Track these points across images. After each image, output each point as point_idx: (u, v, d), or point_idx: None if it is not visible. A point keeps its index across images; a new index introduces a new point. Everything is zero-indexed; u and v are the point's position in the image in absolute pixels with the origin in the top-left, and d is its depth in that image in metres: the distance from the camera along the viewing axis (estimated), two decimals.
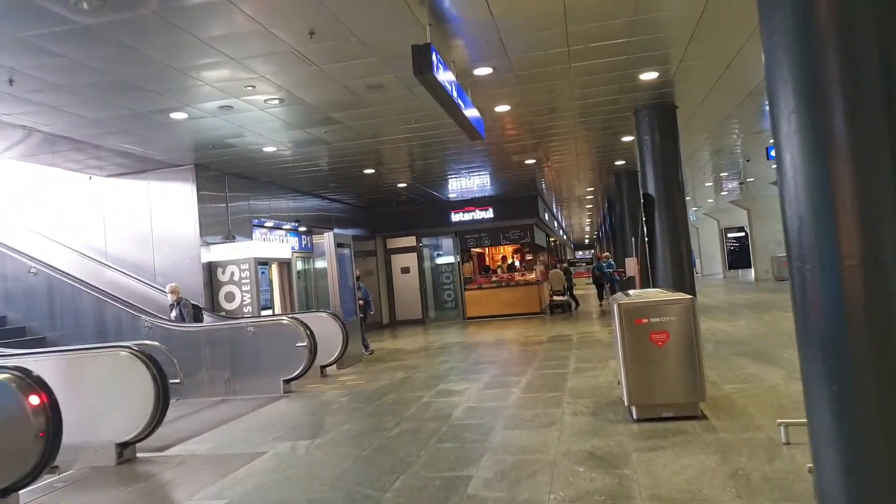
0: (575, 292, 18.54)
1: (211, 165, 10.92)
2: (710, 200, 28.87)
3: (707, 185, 22.18)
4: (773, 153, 11.48)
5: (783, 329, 10.26)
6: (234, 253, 10.89)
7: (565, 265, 18.27)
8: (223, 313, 10.80)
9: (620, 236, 22.20)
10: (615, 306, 5.46)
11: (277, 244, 12.89)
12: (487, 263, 21.10)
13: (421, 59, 5.04)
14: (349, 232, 16.96)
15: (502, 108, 8.70)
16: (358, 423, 6.35)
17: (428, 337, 14.34)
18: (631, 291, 6.77)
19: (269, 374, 8.59)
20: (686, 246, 9.23)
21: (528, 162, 12.92)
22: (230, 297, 10.90)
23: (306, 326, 8.65)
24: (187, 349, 8.94)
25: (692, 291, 9.08)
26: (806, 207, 2.79)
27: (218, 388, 8.83)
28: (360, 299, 11.07)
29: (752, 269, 27.13)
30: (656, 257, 9.23)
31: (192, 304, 9.57)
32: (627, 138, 11.41)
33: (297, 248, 14.95)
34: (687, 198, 27.01)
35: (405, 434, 5.62)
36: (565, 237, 42.41)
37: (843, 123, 2.75)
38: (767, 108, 3.35)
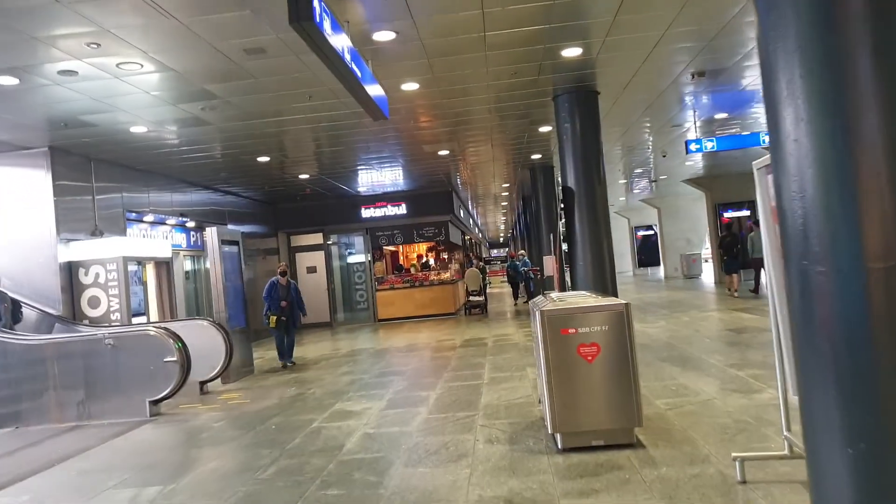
0: (488, 291, 17.81)
1: (72, 149, 9.29)
2: (621, 199, 29.14)
3: (620, 182, 22.12)
4: (696, 146, 11.18)
5: (704, 330, 9.86)
6: (99, 251, 9.32)
7: (482, 264, 17.49)
8: (86, 321, 9.22)
9: (535, 234, 21.79)
10: (537, 313, 4.59)
11: (153, 241, 11.30)
12: (401, 262, 20.10)
13: (298, 2, 3.95)
14: (246, 228, 15.49)
15: (410, 87, 7.72)
16: (228, 458, 5.18)
17: (334, 342, 13.15)
18: (553, 294, 5.95)
19: (133, 395, 7.20)
20: (608, 243, 8.59)
21: (441, 153, 12.01)
22: (94, 302, 9.31)
23: (177, 338, 7.30)
24: (27, 366, 7.39)
25: (614, 292, 8.45)
26: (816, 196, 1.98)
27: (69, 413, 7.33)
28: (282, 300, 9.49)
29: (662, 267, 27.56)
30: (576, 255, 8.53)
31: (11, 299, 8.05)
32: (545, 128, 10.73)
33: (184, 245, 13.37)
34: None
35: (282, 475, 4.52)
36: (481, 235, 42.08)
37: (870, 84, 1.97)
38: (761, 87, 2.49)
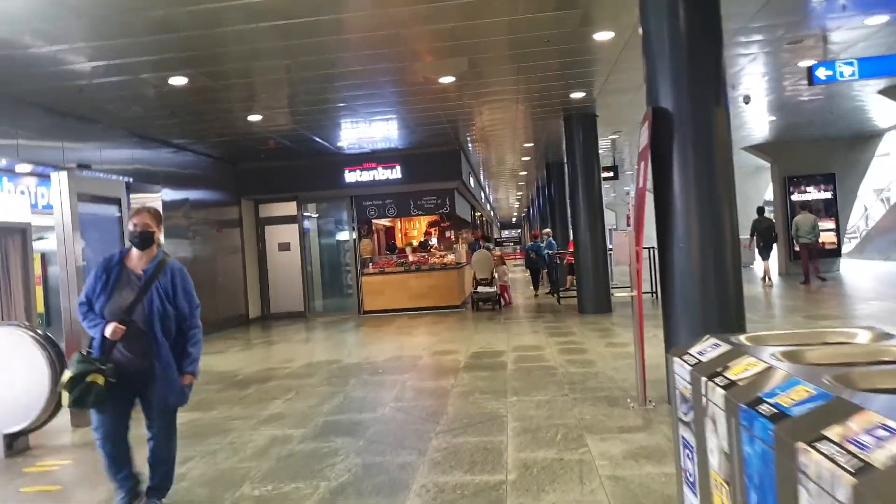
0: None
1: None
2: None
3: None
4: (826, 72, 7.45)
5: None
6: None
7: (490, 245, 13.86)
8: None
9: (562, 209, 18.11)
10: (713, 402, 1.14)
11: None
12: (395, 241, 16.51)
13: None
14: (195, 194, 11.91)
15: None
16: None
17: (292, 346, 9.62)
18: (711, 340, 2.45)
19: None
20: (731, 213, 4.95)
21: (444, 80, 8.32)
22: None
23: None
24: None
25: (739, 302, 4.86)
26: None
27: None
28: (119, 317, 4.13)
29: None
30: (672, 231, 4.90)
31: None
32: (604, 35, 7.01)
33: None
34: None
35: None
36: (492, 213, 38.38)
37: None
38: None
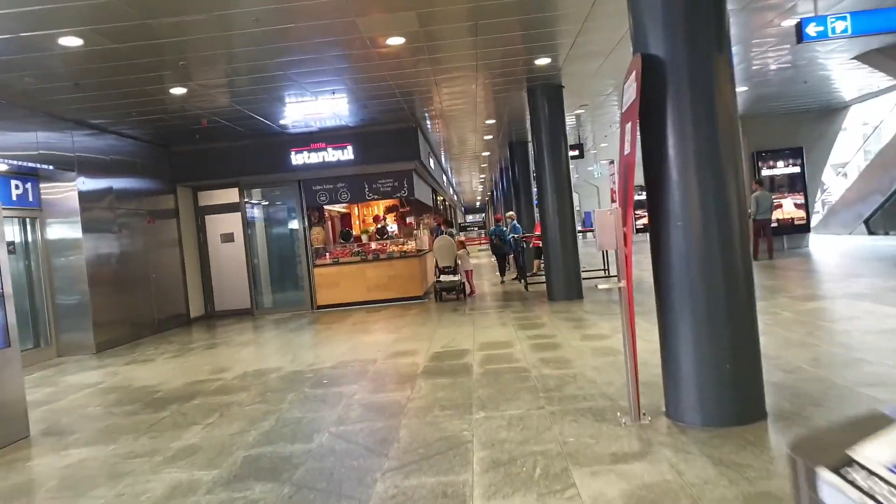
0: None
1: None
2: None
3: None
4: (816, 28, 6.65)
5: None
6: None
7: (452, 231, 12.90)
8: None
9: (527, 191, 17.25)
10: None
11: None
12: (349, 227, 15.40)
13: None
14: (120, 182, 10.60)
15: None
16: None
17: (230, 351, 8.52)
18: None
19: None
20: (737, 177, 4.08)
21: (392, 42, 7.27)
22: None
23: None
24: None
25: (748, 286, 3.97)
26: None
27: None
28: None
29: None
30: (667, 206, 4.02)
31: None
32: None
33: None
34: (590, 151, 22.31)
35: None
36: (456, 198, 37.43)
37: None
38: None
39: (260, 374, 6.74)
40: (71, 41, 6.14)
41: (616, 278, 4.18)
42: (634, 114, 3.98)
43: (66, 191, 9.45)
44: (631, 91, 4.14)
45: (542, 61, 8.86)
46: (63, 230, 9.44)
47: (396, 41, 7.19)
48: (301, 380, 6.25)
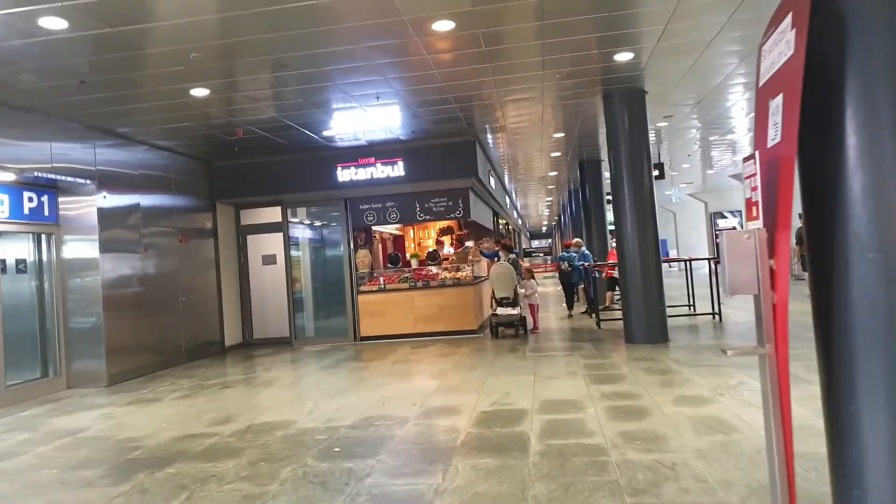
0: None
1: None
2: (692, 179, 22.81)
3: (692, 152, 15.86)
4: None
5: None
6: None
7: (512, 256, 11.43)
8: None
9: (598, 215, 15.59)
10: None
11: None
12: (402, 252, 14.15)
13: None
14: (153, 199, 9.71)
15: None
16: None
17: (247, 394, 7.31)
18: None
19: None
20: None
21: (438, 27, 5.97)
22: None
23: None
24: None
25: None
26: None
27: None
28: None
29: None
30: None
31: None
32: None
33: (6, 215, 7.77)
34: (657, 174, 20.80)
35: None
36: (520, 221, 35.85)
37: None
38: None
39: (265, 429, 5.45)
40: (53, 23, 5.15)
41: (746, 339, 2.62)
42: (795, 78, 2.46)
43: (86, 206, 8.61)
44: (782, 46, 2.62)
45: (623, 56, 7.36)
46: (80, 248, 8.57)
47: (446, 26, 5.88)
48: (310, 443, 4.90)
